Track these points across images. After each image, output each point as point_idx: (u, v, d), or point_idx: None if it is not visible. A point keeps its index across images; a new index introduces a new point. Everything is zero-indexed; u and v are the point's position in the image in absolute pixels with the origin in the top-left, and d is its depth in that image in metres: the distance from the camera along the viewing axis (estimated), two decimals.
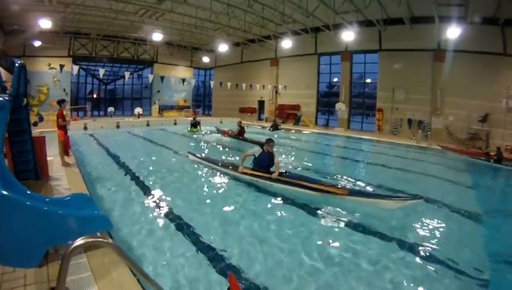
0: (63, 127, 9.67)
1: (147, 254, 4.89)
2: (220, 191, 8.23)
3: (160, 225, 6.06)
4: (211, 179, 9.39)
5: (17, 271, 3.84)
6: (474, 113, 19.32)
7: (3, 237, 3.79)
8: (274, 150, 8.52)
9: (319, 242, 5.42)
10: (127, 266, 3.96)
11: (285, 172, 8.28)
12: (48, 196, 5.89)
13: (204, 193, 8.05)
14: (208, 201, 7.44)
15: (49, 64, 26.65)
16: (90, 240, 2.54)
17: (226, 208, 6.94)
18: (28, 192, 4.78)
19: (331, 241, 5.45)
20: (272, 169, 8.47)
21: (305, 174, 9.16)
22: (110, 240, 2.67)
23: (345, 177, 10.22)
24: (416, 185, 9.86)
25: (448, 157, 15.43)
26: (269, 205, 7.22)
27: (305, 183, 7.55)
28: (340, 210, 6.82)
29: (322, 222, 6.41)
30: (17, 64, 6.66)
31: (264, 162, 8.46)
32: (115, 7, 20.77)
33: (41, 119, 7.93)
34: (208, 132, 21.71)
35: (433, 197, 8.12)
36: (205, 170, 10.31)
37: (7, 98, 5.67)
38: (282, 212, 6.81)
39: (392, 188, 9.07)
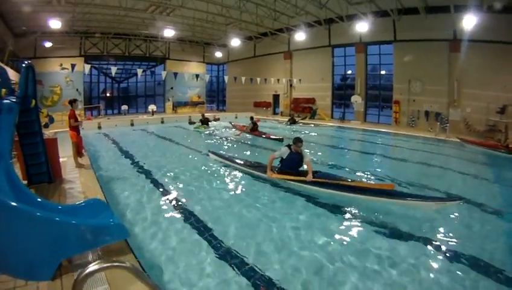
0: (75, 128, 9.48)
1: (166, 261, 4.64)
2: (245, 193, 7.80)
3: (181, 229, 5.74)
4: (235, 179, 9.01)
5: (30, 284, 3.69)
6: (492, 104, 18.61)
7: (14, 249, 3.68)
8: (302, 148, 7.93)
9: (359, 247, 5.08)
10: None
11: (316, 172, 7.78)
12: (60, 204, 5.70)
13: (228, 195, 7.65)
14: (232, 204, 7.05)
15: (61, 65, 26.80)
16: (105, 265, 2.33)
17: (251, 211, 6.56)
18: (39, 200, 4.64)
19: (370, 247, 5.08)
20: (301, 169, 8.03)
21: (328, 170, 8.83)
22: (128, 263, 2.40)
23: (367, 173, 9.87)
24: (438, 180, 9.46)
25: (467, 150, 14.96)
26: (300, 207, 6.79)
27: (344, 183, 7.09)
28: (376, 210, 6.47)
29: (358, 224, 6.01)
30: (23, 65, 6.42)
31: (293, 163, 7.97)
32: (125, 5, 20.61)
33: (51, 120, 7.77)
34: (220, 129, 21.32)
35: (456, 192, 7.77)
36: (228, 170, 9.90)
37: (15, 100, 5.47)
38: (315, 215, 6.38)
39: (418, 183, 8.68)
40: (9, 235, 3.70)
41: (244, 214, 6.45)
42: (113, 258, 4.14)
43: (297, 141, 7.77)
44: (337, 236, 5.45)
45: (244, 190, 8.12)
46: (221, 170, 9.99)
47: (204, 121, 21.36)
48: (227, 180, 9.00)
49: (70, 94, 26.10)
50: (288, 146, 7.99)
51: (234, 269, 4.46)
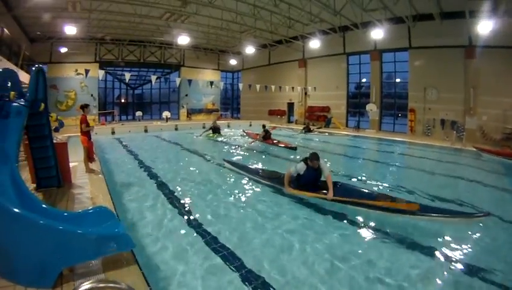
0: (86, 133, 9.42)
1: (172, 275, 4.45)
2: (259, 206, 7.32)
3: (191, 242, 5.47)
4: (249, 190, 8.67)
5: None
6: (509, 112, 18.26)
7: (15, 255, 3.70)
8: (321, 162, 7.38)
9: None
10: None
11: (336, 184, 7.36)
12: (66, 210, 5.59)
13: (242, 207, 7.27)
14: (248, 217, 6.68)
15: (76, 70, 27.05)
16: (100, 285, 2.22)
17: (264, 225, 6.21)
18: (44, 206, 4.56)
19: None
20: (322, 179, 7.59)
21: (345, 181, 8.52)
22: (124, 284, 2.26)
23: (385, 184, 9.57)
24: (456, 191, 9.18)
25: (484, 159, 14.61)
26: (320, 223, 6.36)
27: (366, 202, 6.66)
28: (396, 225, 6.12)
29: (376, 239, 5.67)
30: (33, 68, 6.39)
31: (310, 178, 7.53)
32: (139, 12, 20.75)
33: (61, 124, 7.73)
34: (233, 137, 21.20)
35: (474, 203, 7.53)
36: (242, 180, 9.59)
37: (23, 104, 5.42)
38: (337, 233, 5.90)
39: (435, 194, 8.34)
40: (10, 241, 3.70)
41: (256, 228, 6.17)
42: (114, 272, 4.00)
43: (314, 158, 7.32)
44: (352, 257, 5.00)
45: (258, 202, 7.64)
46: (235, 180, 9.72)
47: (215, 130, 21.01)
48: (241, 191, 8.65)
49: (85, 99, 26.26)
50: (305, 161, 7.50)
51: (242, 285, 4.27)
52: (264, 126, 18.86)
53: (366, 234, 5.92)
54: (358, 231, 6.06)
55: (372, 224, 6.24)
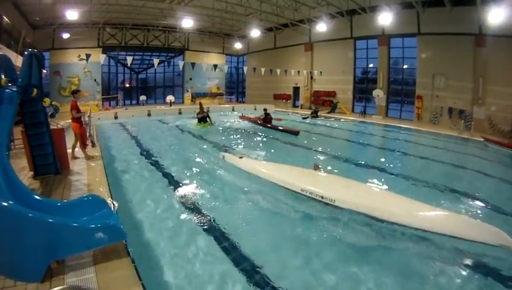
0: (77, 119, 9.16)
1: (166, 266, 4.39)
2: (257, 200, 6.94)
3: (186, 232, 5.39)
4: (255, 187, 7.77)
5: (18, 285, 3.49)
6: None
7: (2, 248, 3.63)
8: None
9: None
10: (140, 284, 3.55)
11: None
12: (58, 200, 5.45)
13: (243, 199, 7.03)
14: (254, 215, 6.31)
15: (79, 56, 26.85)
16: None
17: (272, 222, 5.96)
18: (36, 197, 4.47)
19: None
20: None
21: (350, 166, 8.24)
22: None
23: (390, 173, 9.46)
24: (461, 182, 9.08)
25: (491, 150, 14.36)
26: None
27: None
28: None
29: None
30: (26, 53, 6.21)
31: None
32: None
33: (56, 110, 7.59)
34: (231, 121, 21.07)
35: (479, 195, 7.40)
36: (241, 171, 8.81)
37: (15, 90, 5.27)
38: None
39: (441, 184, 8.22)
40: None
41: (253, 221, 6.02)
42: (104, 264, 3.94)
43: None
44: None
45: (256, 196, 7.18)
46: (236, 171, 9.04)
47: (202, 119, 17.96)
48: (240, 183, 8.12)
49: (88, 85, 26.43)
50: None
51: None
52: (265, 109, 18.64)
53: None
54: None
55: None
